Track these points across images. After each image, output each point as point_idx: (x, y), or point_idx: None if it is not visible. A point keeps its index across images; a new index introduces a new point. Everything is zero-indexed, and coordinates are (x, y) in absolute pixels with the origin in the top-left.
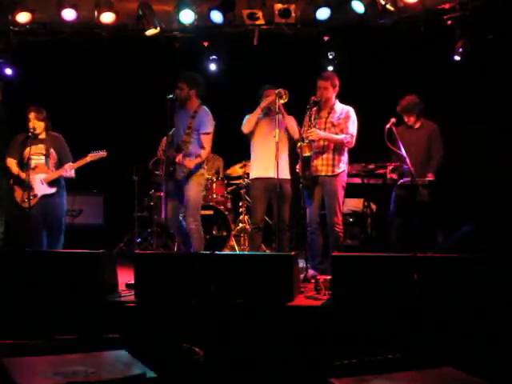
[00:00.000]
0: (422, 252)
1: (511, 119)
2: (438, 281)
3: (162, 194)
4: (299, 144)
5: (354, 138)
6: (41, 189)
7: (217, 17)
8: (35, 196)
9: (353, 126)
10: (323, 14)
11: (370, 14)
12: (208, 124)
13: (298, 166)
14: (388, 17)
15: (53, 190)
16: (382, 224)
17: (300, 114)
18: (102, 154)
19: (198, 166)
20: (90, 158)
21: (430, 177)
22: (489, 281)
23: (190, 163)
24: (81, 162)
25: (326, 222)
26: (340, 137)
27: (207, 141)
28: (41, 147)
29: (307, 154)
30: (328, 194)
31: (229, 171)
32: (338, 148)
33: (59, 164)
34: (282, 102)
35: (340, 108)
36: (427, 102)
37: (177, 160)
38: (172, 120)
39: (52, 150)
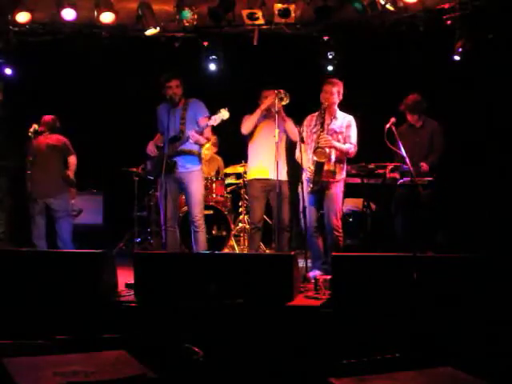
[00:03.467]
0: (422, 252)
1: (511, 119)
2: (437, 281)
3: (158, 193)
4: (314, 149)
5: (356, 148)
6: None
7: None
8: None
9: (355, 136)
10: None
11: (369, 13)
12: (204, 109)
13: (309, 169)
14: (388, 17)
15: None
16: (382, 224)
17: (299, 114)
18: None
19: (197, 159)
20: None
21: (423, 166)
22: (489, 281)
23: (198, 137)
24: None
25: (325, 225)
26: (346, 146)
27: (207, 129)
28: None
29: (322, 160)
30: (329, 197)
31: (228, 170)
32: (339, 157)
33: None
34: (283, 103)
35: (342, 116)
36: (427, 102)
37: (189, 134)
38: (164, 123)
39: None
